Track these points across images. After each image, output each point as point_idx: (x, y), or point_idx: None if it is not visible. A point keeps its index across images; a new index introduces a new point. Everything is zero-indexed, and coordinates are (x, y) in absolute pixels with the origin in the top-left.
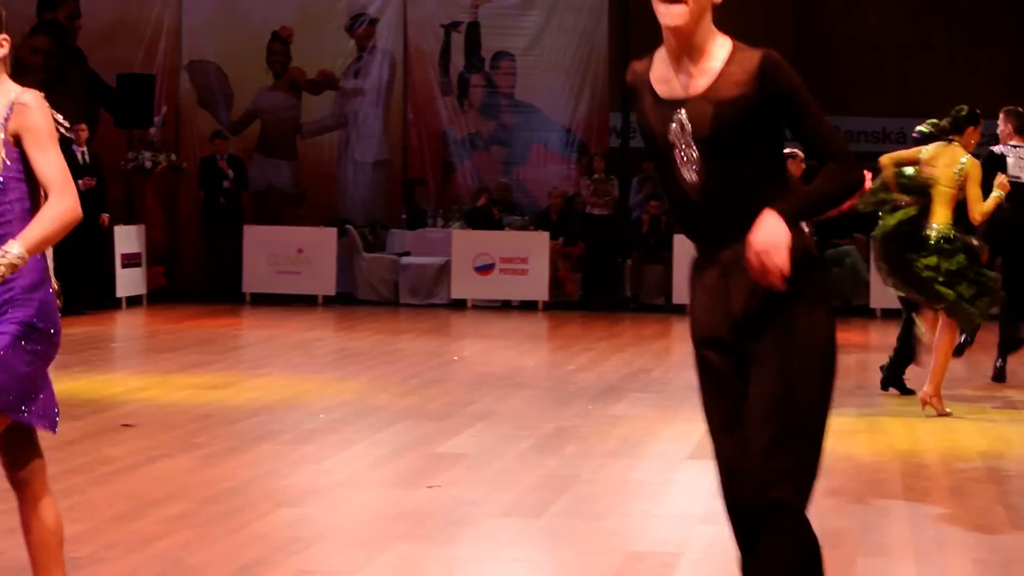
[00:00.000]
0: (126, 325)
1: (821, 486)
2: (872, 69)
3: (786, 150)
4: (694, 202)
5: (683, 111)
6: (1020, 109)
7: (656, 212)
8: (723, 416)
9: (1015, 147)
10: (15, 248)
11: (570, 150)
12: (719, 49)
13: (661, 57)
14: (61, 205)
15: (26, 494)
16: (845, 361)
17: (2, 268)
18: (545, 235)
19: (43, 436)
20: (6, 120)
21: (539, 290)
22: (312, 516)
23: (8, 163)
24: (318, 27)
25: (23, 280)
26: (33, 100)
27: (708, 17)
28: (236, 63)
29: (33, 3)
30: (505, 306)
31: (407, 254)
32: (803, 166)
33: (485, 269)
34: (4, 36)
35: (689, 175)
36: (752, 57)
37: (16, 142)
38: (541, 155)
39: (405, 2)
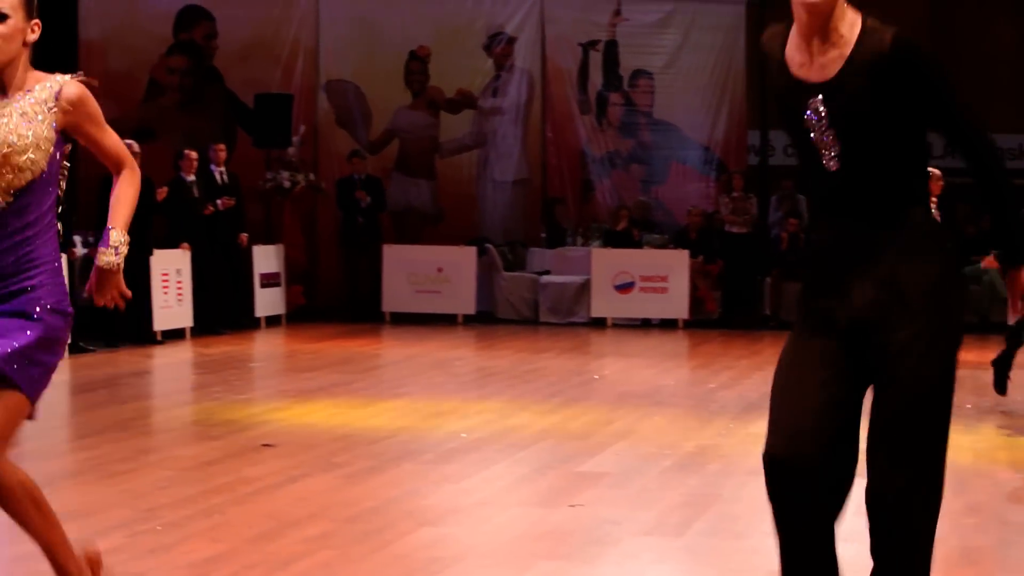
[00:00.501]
0: (265, 345)
1: (960, 504)
2: (1007, 85)
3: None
4: (831, 185)
5: (819, 96)
6: None
7: (795, 229)
8: (808, 383)
9: None
10: (118, 236)
11: (708, 168)
12: (852, 28)
13: (794, 33)
14: (136, 179)
15: None
16: (983, 378)
17: (120, 260)
18: (684, 253)
19: (185, 458)
20: (54, 112)
21: (679, 308)
22: (453, 536)
23: (56, 158)
24: (456, 46)
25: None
26: (79, 88)
27: None
28: (374, 82)
29: (169, 23)
30: (645, 324)
31: (547, 272)
32: (942, 184)
33: (625, 287)
34: (36, 21)
35: (827, 160)
36: (884, 38)
37: (66, 136)
38: (680, 173)
39: (543, 20)
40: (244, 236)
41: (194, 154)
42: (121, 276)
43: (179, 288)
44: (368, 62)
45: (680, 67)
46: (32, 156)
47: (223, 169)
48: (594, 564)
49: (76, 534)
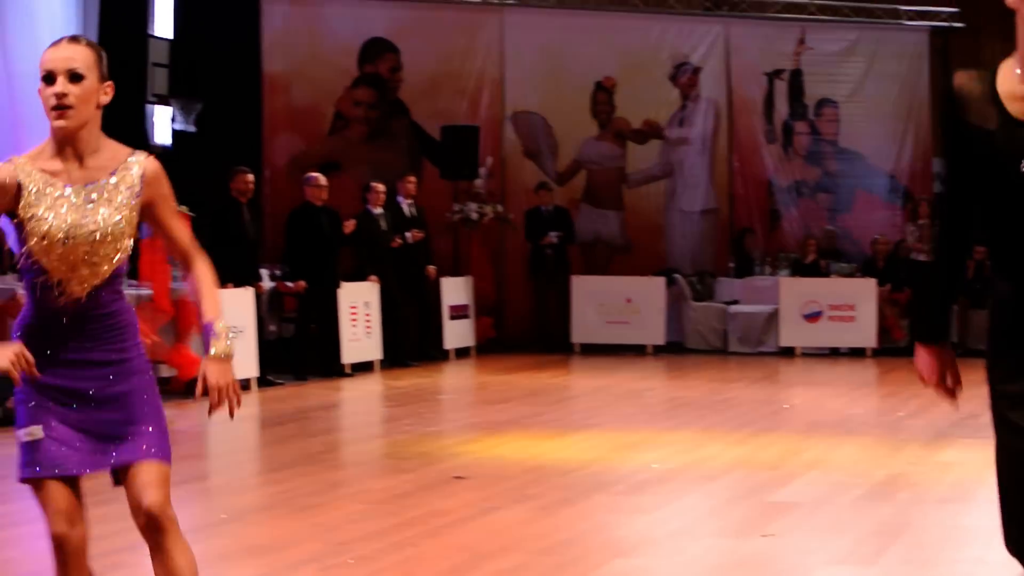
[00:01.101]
0: (455, 377)
1: None
2: None
3: None
4: None
5: None
6: None
7: (981, 257)
8: None
9: None
10: (222, 325)
11: (894, 196)
12: None
13: (1010, 68)
14: (209, 267)
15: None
16: None
17: (232, 346)
18: (872, 282)
19: (376, 491)
20: (138, 193)
21: (867, 337)
22: (647, 567)
23: (134, 239)
24: (642, 76)
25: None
26: (158, 166)
27: None
28: (560, 113)
29: (354, 56)
30: (833, 353)
31: (735, 302)
32: None
33: (813, 316)
34: (109, 83)
35: None
36: None
37: (143, 214)
38: (865, 202)
39: (728, 50)
40: (432, 268)
41: (381, 187)
42: (233, 372)
43: (367, 320)
44: (554, 93)
45: (865, 95)
46: (127, 243)
47: (411, 201)
48: None
49: (267, 569)
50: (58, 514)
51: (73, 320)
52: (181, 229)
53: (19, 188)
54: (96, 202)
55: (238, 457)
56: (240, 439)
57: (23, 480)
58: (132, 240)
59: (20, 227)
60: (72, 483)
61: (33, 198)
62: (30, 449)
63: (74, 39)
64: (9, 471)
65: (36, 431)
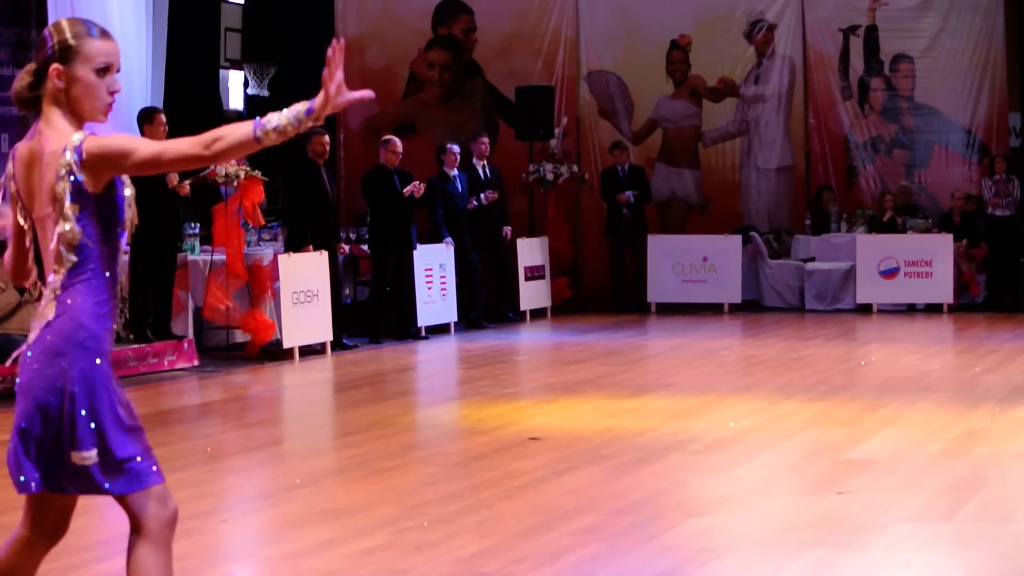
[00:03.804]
0: (530, 338)
1: None
2: None
3: None
4: None
5: None
6: None
7: None
8: None
9: None
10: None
11: (971, 151)
12: None
13: None
14: None
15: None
16: None
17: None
18: (948, 237)
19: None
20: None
21: (944, 292)
22: (723, 525)
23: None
24: (716, 34)
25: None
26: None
27: None
28: (635, 73)
29: (428, 18)
30: (910, 309)
31: (812, 260)
32: None
33: (890, 273)
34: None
35: None
36: None
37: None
38: (942, 157)
39: (803, 7)
40: (508, 229)
41: (456, 148)
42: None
43: (443, 283)
44: (629, 52)
45: (940, 50)
46: None
47: (485, 163)
48: (863, 551)
49: (341, 532)
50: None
51: None
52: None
53: None
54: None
55: (312, 422)
56: (314, 403)
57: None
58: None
59: (117, 199)
60: None
61: None
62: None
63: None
64: None
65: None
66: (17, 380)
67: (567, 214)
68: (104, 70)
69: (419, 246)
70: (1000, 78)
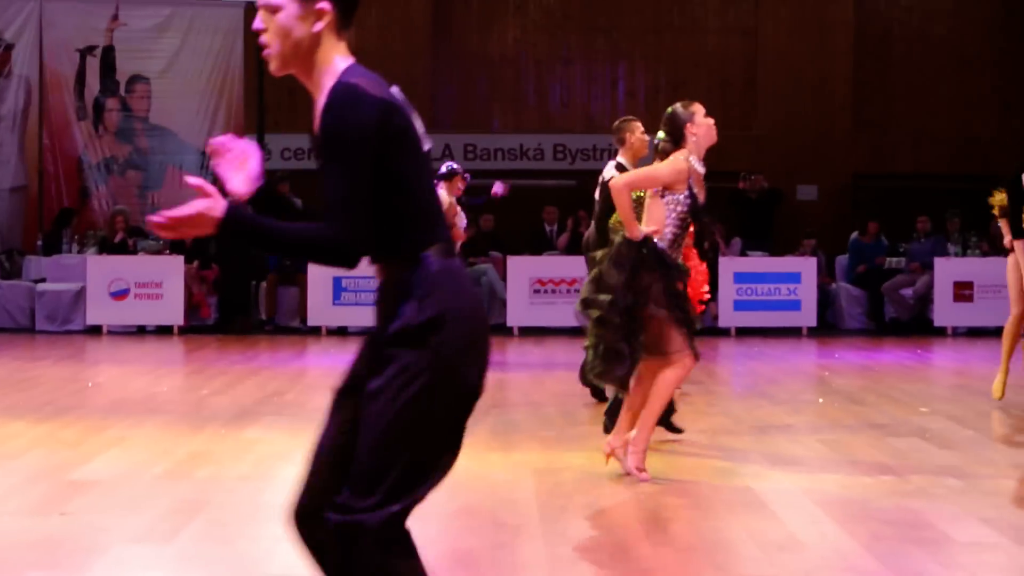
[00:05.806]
0: None
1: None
2: (509, 85)
3: None
4: None
5: None
6: None
7: None
8: None
9: None
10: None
11: (206, 172)
12: None
13: None
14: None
15: None
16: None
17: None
18: (180, 259)
19: None
20: None
21: (175, 314)
22: None
23: None
24: None
25: None
26: None
27: None
28: None
29: None
30: (141, 331)
31: (43, 280)
32: None
33: (121, 294)
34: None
35: None
36: None
37: None
38: (177, 178)
39: (41, 26)
40: None
41: None
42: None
43: None
44: None
45: (178, 71)
46: None
47: None
48: (84, 572)
49: None
50: None
51: None
52: None
53: None
54: None
55: None
56: None
57: None
58: None
59: None
60: None
61: None
62: None
63: None
64: None
65: None
66: None
67: None
68: None
69: None
70: (237, 99)
